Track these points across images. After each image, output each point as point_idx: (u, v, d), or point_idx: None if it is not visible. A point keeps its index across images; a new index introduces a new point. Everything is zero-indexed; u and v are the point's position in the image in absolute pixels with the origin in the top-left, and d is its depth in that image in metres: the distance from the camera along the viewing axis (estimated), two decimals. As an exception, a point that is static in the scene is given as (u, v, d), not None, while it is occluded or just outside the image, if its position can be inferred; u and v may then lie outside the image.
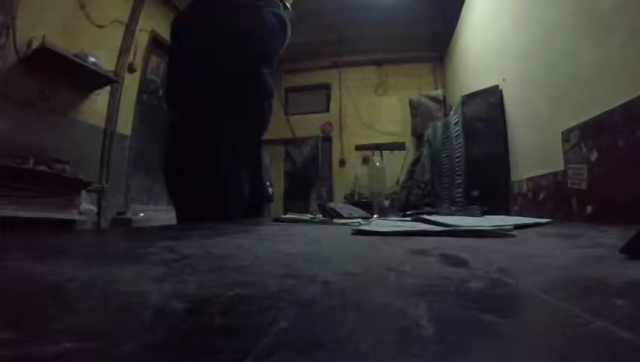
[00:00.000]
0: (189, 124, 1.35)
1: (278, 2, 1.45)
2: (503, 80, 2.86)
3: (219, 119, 1.33)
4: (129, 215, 3.53)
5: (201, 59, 1.33)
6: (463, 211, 1.69)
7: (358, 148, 5.51)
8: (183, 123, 1.38)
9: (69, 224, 2.67)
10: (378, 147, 5.33)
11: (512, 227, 0.89)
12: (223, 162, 1.33)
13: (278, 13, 1.39)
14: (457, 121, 3.13)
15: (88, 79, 3.14)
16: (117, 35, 3.58)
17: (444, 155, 3.57)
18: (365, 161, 5.63)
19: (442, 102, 5.08)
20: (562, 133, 1.87)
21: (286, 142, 6.01)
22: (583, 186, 1.68)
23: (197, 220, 1.21)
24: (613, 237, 0.75)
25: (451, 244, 0.65)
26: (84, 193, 2.82)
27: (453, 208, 2.34)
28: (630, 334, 0.19)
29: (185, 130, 1.36)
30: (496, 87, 2.91)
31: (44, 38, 2.66)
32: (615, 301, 0.27)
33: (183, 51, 1.41)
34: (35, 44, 2.66)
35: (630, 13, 1.38)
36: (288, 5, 1.53)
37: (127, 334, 0.20)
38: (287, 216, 1.59)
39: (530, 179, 2.34)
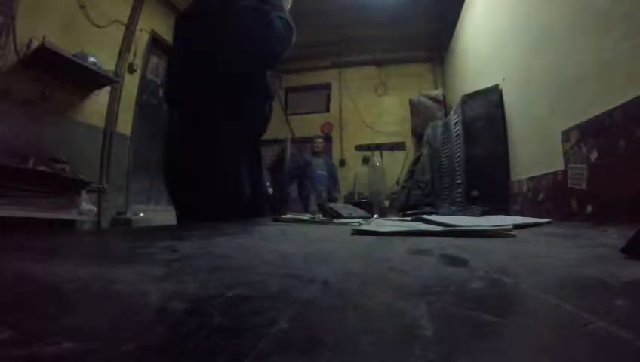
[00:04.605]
0: (189, 125, 1.35)
1: (283, 6, 1.45)
2: (503, 80, 2.85)
3: (219, 120, 1.33)
4: (129, 215, 3.53)
5: (203, 60, 1.33)
6: (463, 211, 1.69)
7: (358, 148, 5.50)
8: (183, 123, 1.38)
9: (69, 224, 2.67)
10: (378, 147, 5.33)
11: (512, 227, 0.89)
12: (223, 162, 1.33)
13: (284, 17, 1.39)
14: (457, 121, 3.13)
15: (88, 79, 3.14)
16: (117, 35, 3.58)
17: (444, 155, 3.56)
18: (365, 161, 5.63)
19: (442, 102, 5.08)
20: (562, 132, 1.86)
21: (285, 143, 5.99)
22: (583, 186, 1.67)
23: (197, 220, 1.21)
24: (614, 237, 0.75)
25: (451, 244, 0.65)
26: (84, 193, 2.82)
27: (453, 208, 2.34)
28: (630, 334, 0.19)
29: (185, 131, 1.36)
30: (496, 86, 2.91)
31: (44, 38, 2.66)
32: (615, 301, 0.27)
33: (184, 51, 1.41)
34: (35, 44, 2.66)
35: (628, 9, 1.38)
36: (287, 9, 1.52)
37: (127, 334, 0.20)
38: (287, 215, 1.59)
39: (530, 179, 2.33)
